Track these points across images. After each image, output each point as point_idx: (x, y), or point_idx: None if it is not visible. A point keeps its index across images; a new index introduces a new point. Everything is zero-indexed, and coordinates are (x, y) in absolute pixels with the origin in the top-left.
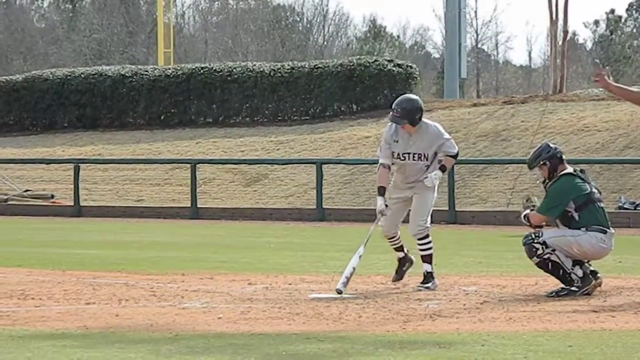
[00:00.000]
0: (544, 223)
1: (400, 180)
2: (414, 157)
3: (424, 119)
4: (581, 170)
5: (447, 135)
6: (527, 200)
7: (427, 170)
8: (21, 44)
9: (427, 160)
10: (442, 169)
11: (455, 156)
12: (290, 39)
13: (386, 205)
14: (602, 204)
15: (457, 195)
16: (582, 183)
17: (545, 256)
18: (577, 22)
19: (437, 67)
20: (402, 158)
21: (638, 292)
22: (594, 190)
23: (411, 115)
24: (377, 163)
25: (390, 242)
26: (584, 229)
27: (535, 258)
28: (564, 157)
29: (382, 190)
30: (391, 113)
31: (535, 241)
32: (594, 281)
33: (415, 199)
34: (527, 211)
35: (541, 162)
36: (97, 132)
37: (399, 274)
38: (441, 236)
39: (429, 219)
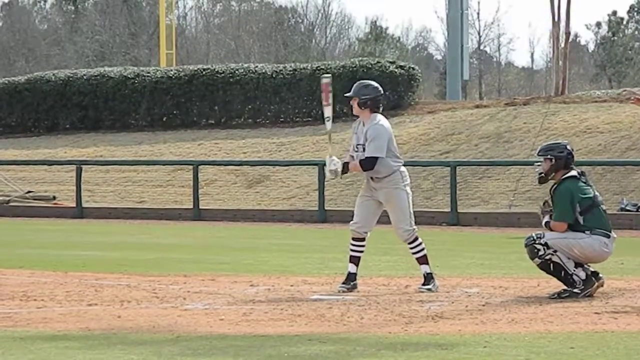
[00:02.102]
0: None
1: (365, 176)
2: (362, 148)
3: (380, 117)
4: (582, 173)
5: (377, 140)
6: (544, 204)
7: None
8: (23, 45)
9: (363, 150)
10: (345, 167)
11: (364, 163)
12: (292, 41)
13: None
14: (604, 207)
15: (459, 197)
16: (586, 186)
17: (547, 257)
18: (579, 24)
19: (440, 69)
20: (356, 149)
21: None
22: (597, 194)
23: (359, 92)
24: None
25: (355, 246)
26: (588, 232)
27: (537, 259)
28: (572, 164)
29: (345, 166)
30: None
31: (537, 242)
32: (596, 283)
33: (390, 208)
34: (547, 218)
35: (548, 156)
36: (99, 134)
37: (346, 286)
38: (443, 238)
39: (412, 221)
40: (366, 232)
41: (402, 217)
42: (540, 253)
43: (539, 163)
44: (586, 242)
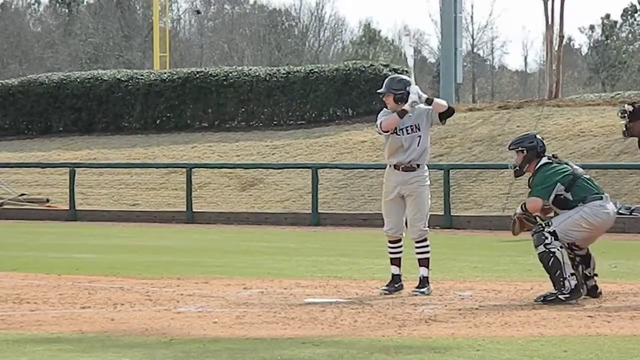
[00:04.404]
0: (538, 208)
1: (394, 159)
2: (407, 130)
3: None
4: (554, 156)
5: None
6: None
7: (420, 140)
8: (17, 47)
9: (419, 130)
10: (429, 101)
11: (449, 108)
12: (286, 44)
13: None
14: (587, 176)
15: (453, 200)
16: (561, 166)
17: (552, 249)
18: (572, 27)
19: (433, 72)
20: (399, 134)
21: (633, 298)
22: (575, 167)
23: (393, 87)
24: (372, 168)
25: (393, 248)
26: (581, 203)
27: (541, 247)
28: (543, 153)
29: (401, 112)
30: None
31: (546, 230)
32: (582, 296)
33: (412, 201)
34: (518, 210)
35: (519, 148)
36: (92, 136)
37: (389, 289)
38: (437, 241)
39: (427, 222)
40: (402, 234)
41: (420, 215)
42: (547, 242)
43: (511, 160)
44: (586, 212)
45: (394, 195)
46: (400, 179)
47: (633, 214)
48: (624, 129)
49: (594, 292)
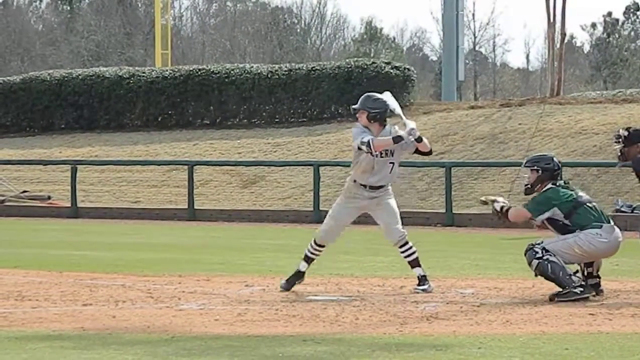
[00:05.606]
0: (520, 221)
1: (362, 179)
2: (381, 153)
3: (393, 125)
4: (565, 182)
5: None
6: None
7: (392, 168)
8: (19, 45)
9: (392, 156)
10: (419, 139)
11: (430, 150)
12: (288, 41)
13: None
14: (592, 204)
15: (454, 198)
16: (566, 191)
17: (546, 257)
18: (574, 25)
19: (435, 70)
20: (373, 154)
21: (635, 295)
22: (580, 194)
23: (368, 105)
24: None
25: (316, 250)
26: (578, 230)
27: (535, 261)
28: (557, 176)
29: (397, 138)
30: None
31: (537, 247)
32: (592, 292)
33: (382, 210)
34: (502, 201)
35: (535, 167)
36: (94, 134)
37: (289, 284)
38: (438, 238)
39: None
40: (332, 242)
41: (395, 219)
42: (539, 255)
43: (526, 175)
44: (581, 239)
45: (355, 207)
46: (368, 195)
47: (634, 212)
48: (619, 153)
49: (595, 290)
